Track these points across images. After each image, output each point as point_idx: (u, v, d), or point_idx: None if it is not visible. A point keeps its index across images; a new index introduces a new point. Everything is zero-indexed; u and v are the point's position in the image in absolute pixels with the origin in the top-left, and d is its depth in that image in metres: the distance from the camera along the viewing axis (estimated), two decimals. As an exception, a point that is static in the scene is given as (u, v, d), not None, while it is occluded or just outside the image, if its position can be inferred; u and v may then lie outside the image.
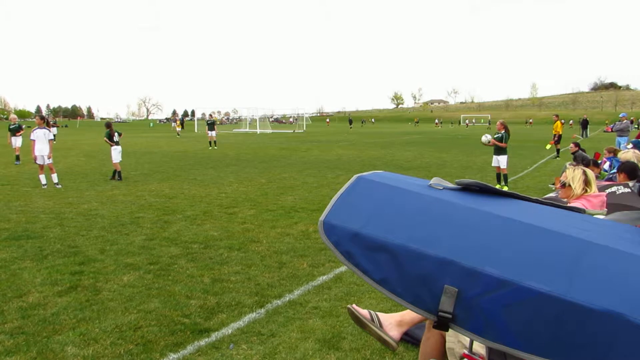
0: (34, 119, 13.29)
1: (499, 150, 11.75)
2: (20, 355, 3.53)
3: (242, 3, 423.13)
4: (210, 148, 25.22)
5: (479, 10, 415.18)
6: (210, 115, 30.86)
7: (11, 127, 18.79)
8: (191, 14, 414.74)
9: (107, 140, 13.33)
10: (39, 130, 11.72)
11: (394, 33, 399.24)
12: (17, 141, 17.81)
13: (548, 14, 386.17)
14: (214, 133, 26.09)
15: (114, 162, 12.98)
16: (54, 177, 11.65)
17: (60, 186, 11.50)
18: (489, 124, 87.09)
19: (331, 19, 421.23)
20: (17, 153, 17.38)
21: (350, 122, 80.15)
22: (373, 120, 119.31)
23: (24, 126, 20.06)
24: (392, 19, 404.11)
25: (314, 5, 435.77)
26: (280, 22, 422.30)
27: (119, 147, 13.19)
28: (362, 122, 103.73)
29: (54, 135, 30.25)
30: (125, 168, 15.77)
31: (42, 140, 11.62)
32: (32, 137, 11.66)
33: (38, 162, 11.57)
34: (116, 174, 12.95)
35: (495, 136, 11.87)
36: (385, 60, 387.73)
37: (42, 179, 11.55)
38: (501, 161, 11.76)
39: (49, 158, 11.62)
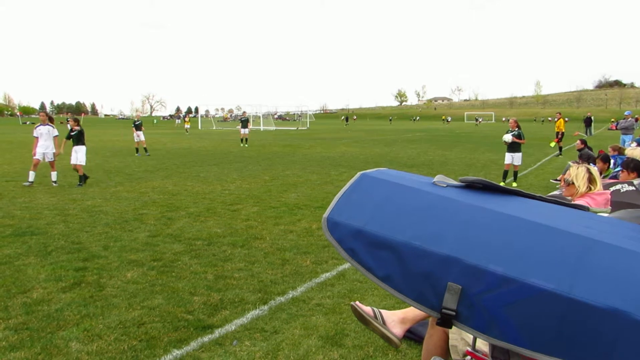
0: (39, 115, 13.10)
1: (515, 148, 11.91)
2: (25, 350, 3.55)
3: (247, 0, 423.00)
4: (242, 145, 25.16)
5: (483, 7, 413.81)
6: (244, 112, 30.68)
7: (136, 123, 20.40)
8: (195, 11, 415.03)
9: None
10: (42, 127, 11.48)
11: (397, 30, 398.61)
12: (140, 136, 19.80)
13: (552, 11, 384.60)
14: (246, 130, 26.15)
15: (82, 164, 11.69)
16: (53, 175, 11.34)
17: (56, 184, 11.20)
18: (477, 121, 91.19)
19: (335, 16, 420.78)
20: (144, 146, 19.86)
21: (347, 119, 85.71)
22: (418, 118, 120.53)
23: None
24: (396, 16, 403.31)
25: (318, 3, 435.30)
26: (284, 19, 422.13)
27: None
28: (390, 120, 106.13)
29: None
30: (128, 165, 15.82)
31: (45, 137, 11.41)
32: (35, 134, 11.45)
33: (37, 157, 11.25)
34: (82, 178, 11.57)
35: (512, 134, 11.97)
36: (389, 57, 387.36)
37: (31, 175, 11.14)
38: (516, 158, 11.95)
39: (54, 155, 11.42)
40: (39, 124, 11.64)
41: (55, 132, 11.63)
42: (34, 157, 11.34)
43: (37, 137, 11.43)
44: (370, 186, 1.75)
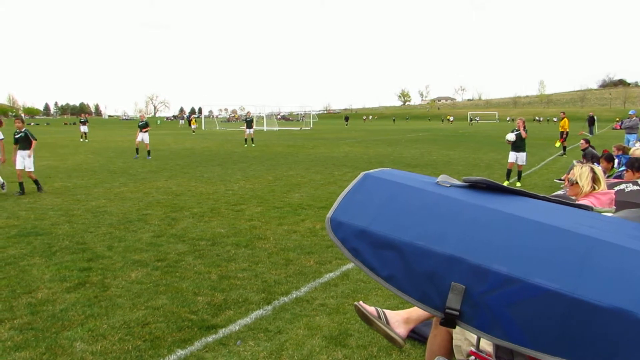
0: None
1: (519, 147, 12.03)
2: (30, 350, 3.56)
3: (250, 1, 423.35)
4: (245, 145, 25.30)
5: (487, 7, 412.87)
6: (249, 112, 30.75)
7: (140, 124, 20.10)
8: (198, 11, 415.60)
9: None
10: None
11: (401, 30, 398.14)
12: (144, 137, 19.42)
13: (556, 10, 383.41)
14: (251, 130, 26.28)
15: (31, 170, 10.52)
16: None
17: (4, 189, 10.26)
18: (471, 120, 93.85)
19: (338, 16, 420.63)
20: (148, 148, 19.10)
21: (347, 119, 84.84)
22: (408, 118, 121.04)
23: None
24: (400, 16, 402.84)
25: (321, 3, 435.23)
26: (288, 20, 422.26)
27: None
28: (394, 120, 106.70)
29: (85, 133, 30.92)
30: (132, 165, 15.85)
31: None
32: None
33: None
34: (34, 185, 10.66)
35: (516, 133, 12.06)
36: (393, 57, 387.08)
37: None
38: (520, 157, 12.08)
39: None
40: None
41: (0, 136, 10.15)
42: None
43: None
44: (374, 186, 1.76)
